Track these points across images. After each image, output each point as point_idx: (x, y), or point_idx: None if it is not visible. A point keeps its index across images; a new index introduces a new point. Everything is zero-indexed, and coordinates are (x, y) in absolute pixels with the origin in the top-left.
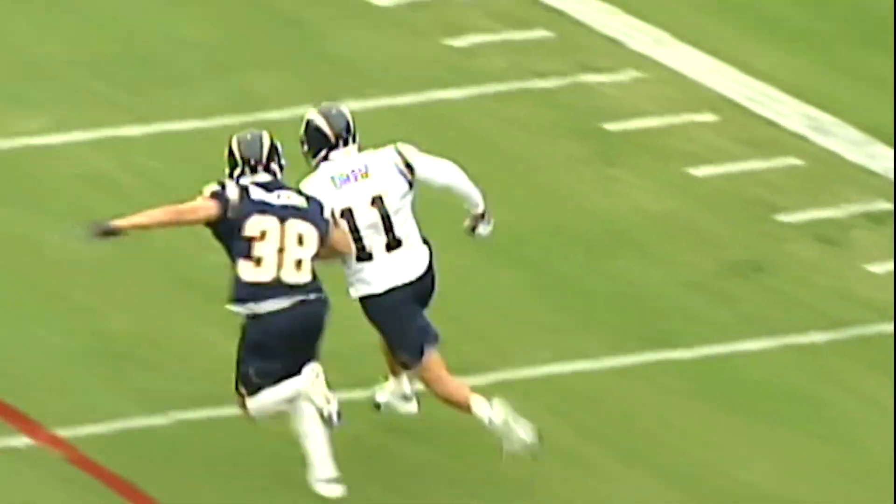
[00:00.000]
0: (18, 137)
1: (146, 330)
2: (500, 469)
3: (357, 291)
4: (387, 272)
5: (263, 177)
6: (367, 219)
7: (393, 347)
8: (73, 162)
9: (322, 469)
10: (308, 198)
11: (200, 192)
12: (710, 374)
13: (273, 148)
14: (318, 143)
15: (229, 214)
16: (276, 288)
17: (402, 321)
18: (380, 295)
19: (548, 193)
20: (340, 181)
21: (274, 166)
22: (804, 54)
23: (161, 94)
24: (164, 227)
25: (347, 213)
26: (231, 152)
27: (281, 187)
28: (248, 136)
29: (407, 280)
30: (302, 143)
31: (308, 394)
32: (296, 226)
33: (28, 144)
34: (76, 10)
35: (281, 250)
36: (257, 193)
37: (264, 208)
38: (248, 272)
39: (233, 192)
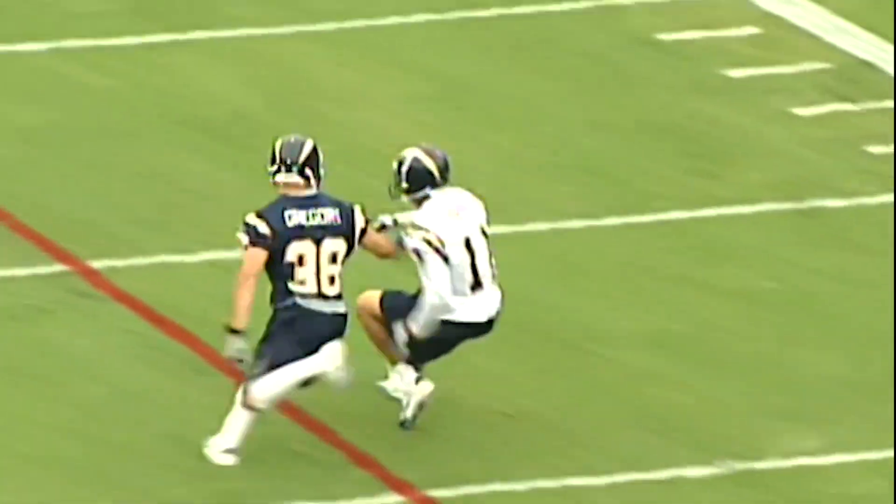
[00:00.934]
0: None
1: None
2: None
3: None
4: (476, 307)
5: (294, 178)
6: (481, 247)
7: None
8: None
9: (228, 439)
10: (340, 207)
11: (239, 242)
12: None
13: (312, 154)
14: (423, 182)
15: (273, 248)
16: (318, 298)
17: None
18: (463, 325)
19: None
20: (458, 210)
21: (308, 171)
22: None
23: None
24: (251, 290)
25: (466, 243)
26: (273, 153)
27: (315, 203)
28: (292, 139)
29: (484, 319)
30: (399, 180)
31: (326, 374)
32: (329, 245)
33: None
34: None
35: (318, 271)
36: (293, 218)
37: (300, 234)
38: (295, 287)
39: (263, 228)
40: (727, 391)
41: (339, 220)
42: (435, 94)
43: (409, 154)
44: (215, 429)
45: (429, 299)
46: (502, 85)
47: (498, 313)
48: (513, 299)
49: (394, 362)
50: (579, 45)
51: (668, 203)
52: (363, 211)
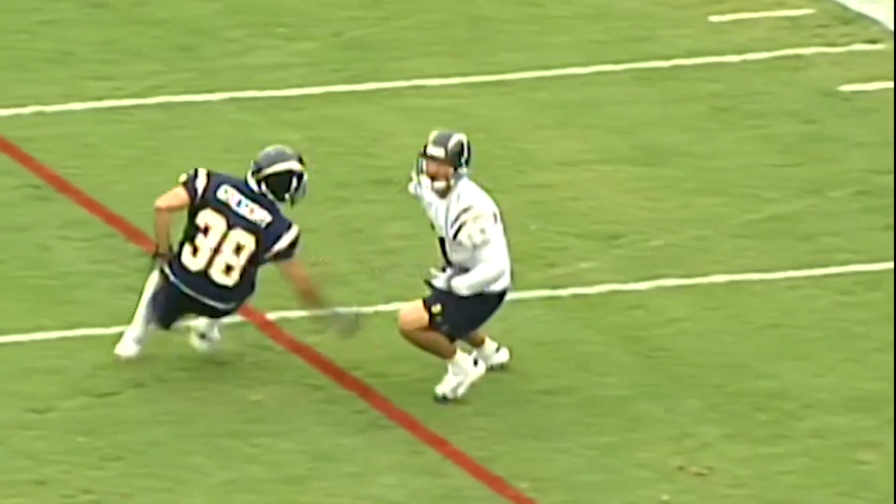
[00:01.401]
0: None
1: None
2: None
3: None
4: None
5: (251, 183)
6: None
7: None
8: None
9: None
10: (275, 219)
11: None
12: None
13: (282, 174)
14: (470, 160)
15: (196, 201)
16: (200, 279)
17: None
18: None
19: None
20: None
21: (264, 186)
22: None
23: None
24: (164, 222)
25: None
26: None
27: (255, 199)
28: (273, 152)
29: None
30: (460, 161)
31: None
32: (238, 235)
33: None
34: None
35: (216, 250)
36: (225, 194)
37: (219, 207)
38: (185, 256)
39: (201, 182)
40: None
41: (263, 223)
42: (626, 151)
43: (459, 135)
44: (397, 483)
45: (491, 273)
46: (691, 141)
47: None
48: (700, 356)
49: (450, 355)
50: (764, 98)
51: (853, 257)
52: (296, 240)
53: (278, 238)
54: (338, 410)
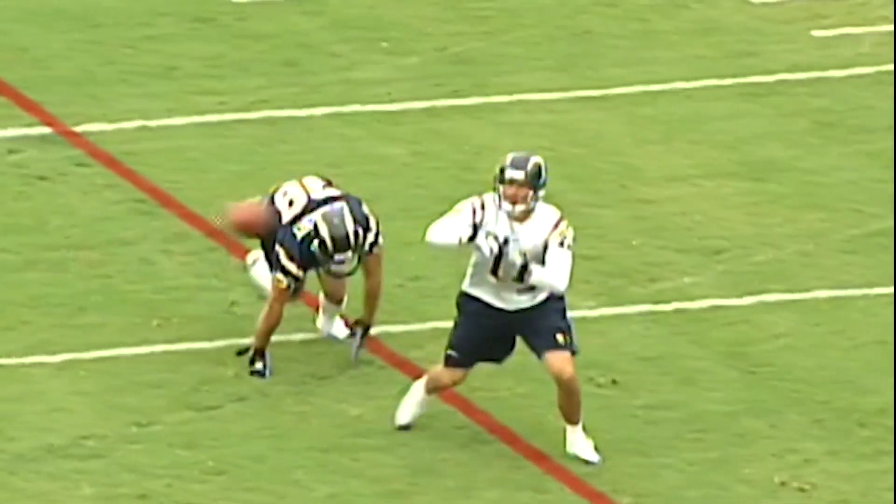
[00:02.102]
0: None
1: None
2: None
3: None
4: None
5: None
6: None
7: None
8: None
9: None
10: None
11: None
12: None
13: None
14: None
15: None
16: None
17: None
18: None
19: None
20: None
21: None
22: None
23: None
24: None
25: None
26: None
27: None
28: (335, 221)
29: None
30: (539, 183)
31: None
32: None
33: None
34: None
35: None
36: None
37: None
38: None
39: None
40: None
41: None
42: (729, 166)
43: (535, 156)
44: (499, 498)
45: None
46: (796, 156)
47: None
48: (804, 372)
49: None
50: (868, 113)
51: None
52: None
53: (278, 240)
54: (439, 425)
